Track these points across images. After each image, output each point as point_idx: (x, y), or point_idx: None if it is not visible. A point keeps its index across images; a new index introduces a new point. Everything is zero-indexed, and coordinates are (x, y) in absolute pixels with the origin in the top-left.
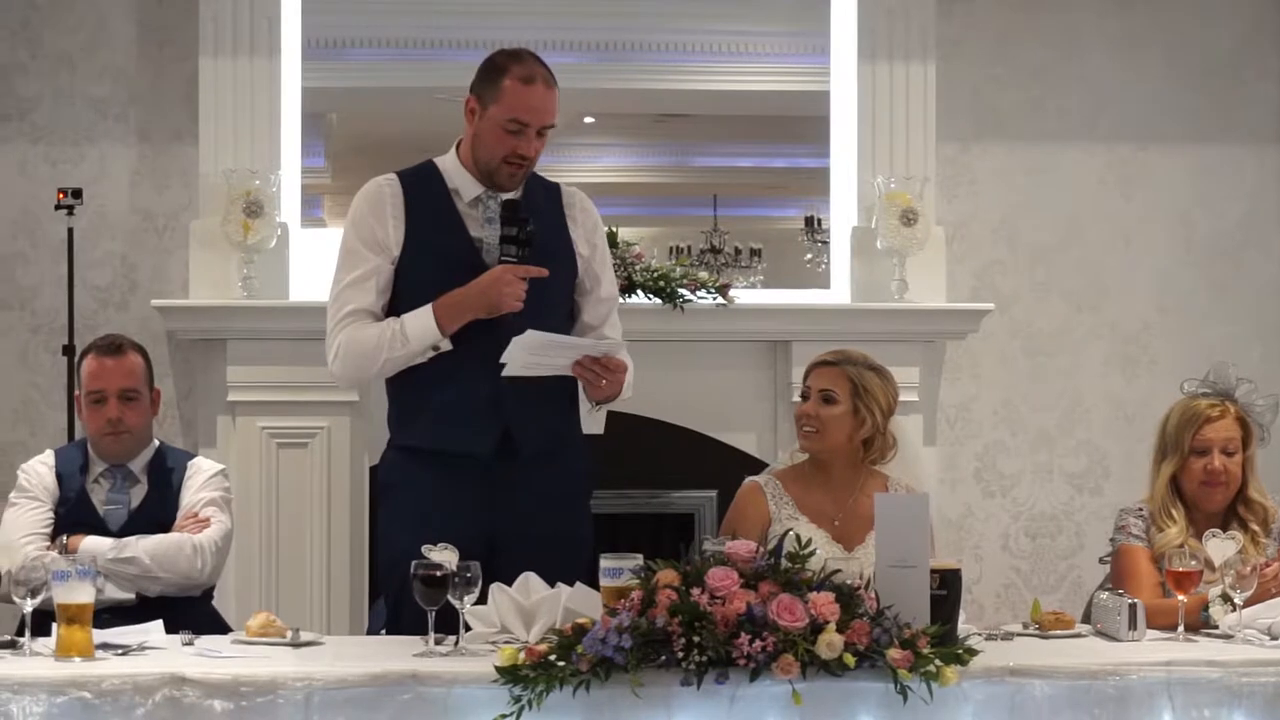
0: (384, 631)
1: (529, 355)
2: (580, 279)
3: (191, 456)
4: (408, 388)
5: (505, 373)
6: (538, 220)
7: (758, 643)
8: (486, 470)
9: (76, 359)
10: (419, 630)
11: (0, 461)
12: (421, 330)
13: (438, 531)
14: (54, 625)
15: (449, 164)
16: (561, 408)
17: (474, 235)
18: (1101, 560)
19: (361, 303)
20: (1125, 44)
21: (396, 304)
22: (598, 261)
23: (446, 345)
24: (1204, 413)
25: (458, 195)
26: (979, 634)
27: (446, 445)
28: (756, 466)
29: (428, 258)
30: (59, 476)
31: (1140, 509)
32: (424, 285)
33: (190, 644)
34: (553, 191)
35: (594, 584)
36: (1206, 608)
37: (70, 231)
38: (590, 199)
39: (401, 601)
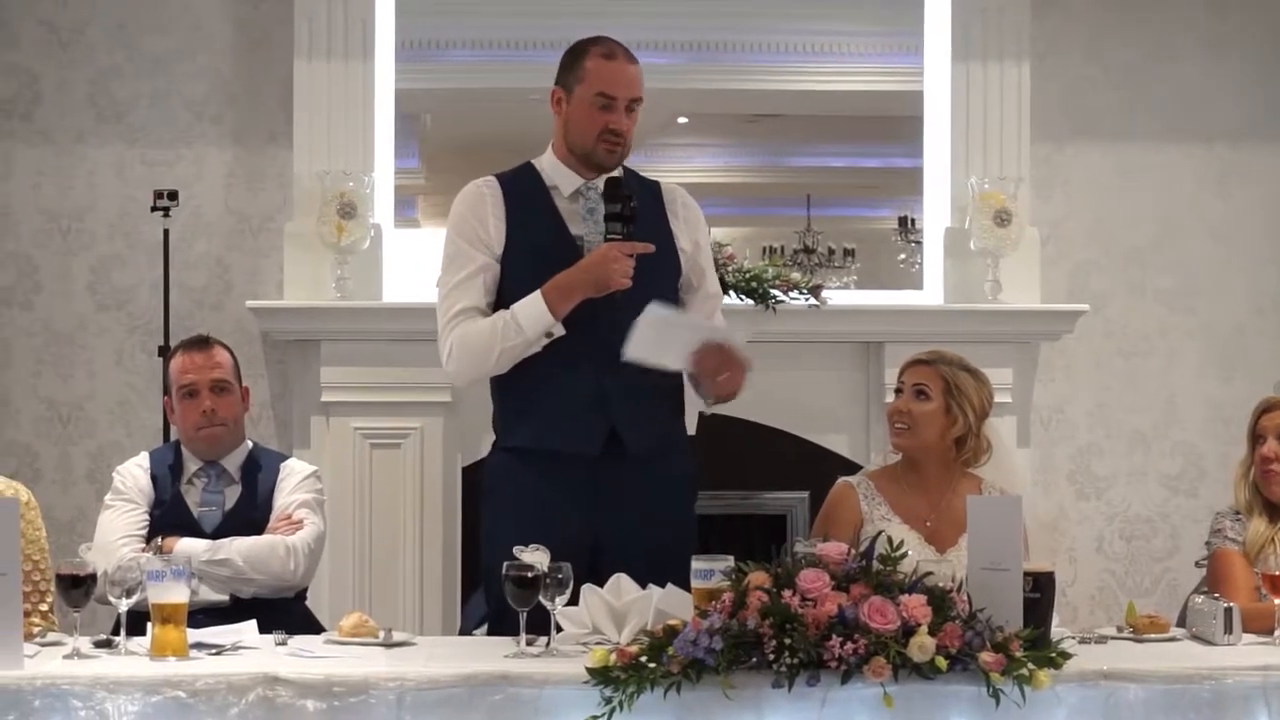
0: (477, 631)
1: (653, 333)
2: (686, 276)
3: (284, 458)
4: (513, 390)
5: (626, 356)
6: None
7: (849, 645)
8: (593, 471)
9: (167, 360)
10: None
11: (98, 461)
12: (534, 316)
13: (544, 534)
14: (149, 625)
15: (546, 163)
16: (666, 409)
17: (575, 233)
18: (1198, 564)
19: (470, 301)
20: (1220, 44)
21: (500, 305)
22: (703, 257)
23: (560, 330)
24: (1266, 402)
25: (557, 192)
26: (1072, 637)
27: (553, 445)
28: (849, 468)
29: (529, 256)
30: (154, 479)
31: (1237, 512)
32: (527, 284)
33: (283, 644)
34: (653, 189)
35: (687, 586)
36: None
37: (166, 233)
38: None
39: (505, 604)
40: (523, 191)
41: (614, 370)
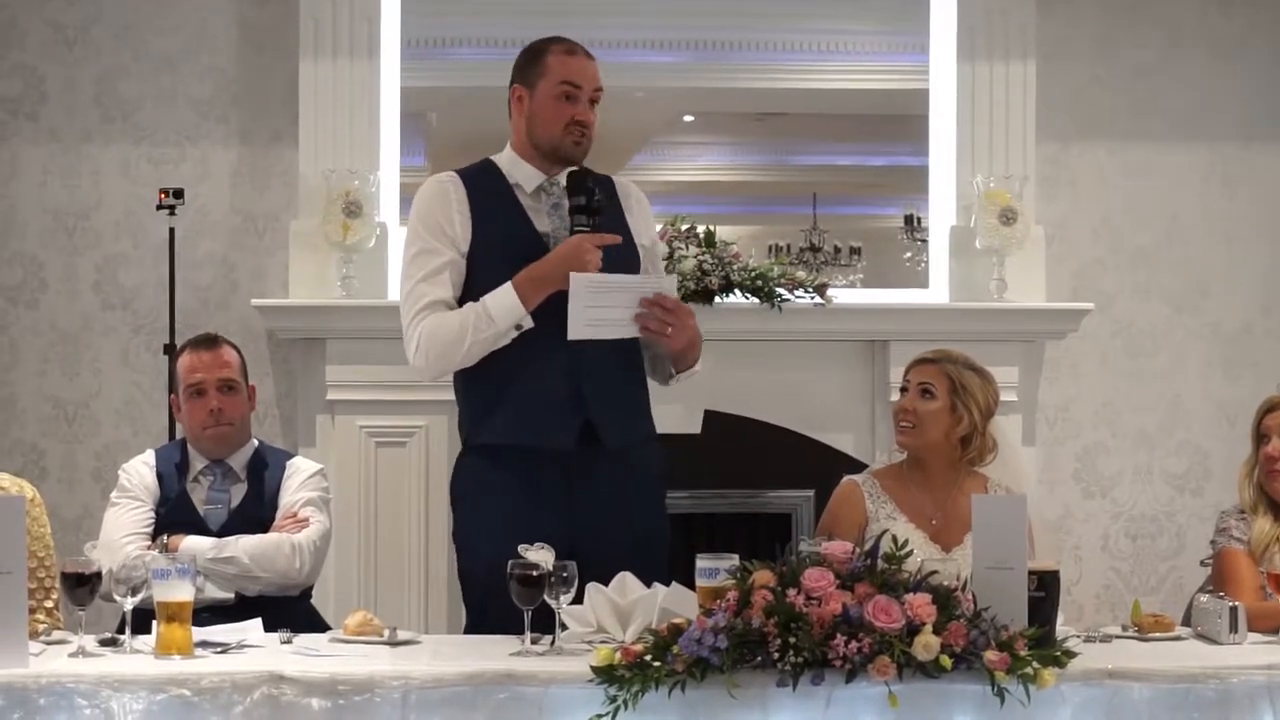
0: None
1: (587, 308)
2: (645, 271)
3: (290, 456)
4: (485, 387)
5: (571, 335)
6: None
7: (854, 644)
8: (567, 467)
9: (173, 359)
10: None
11: (104, 460)
12: (505, 306)
13: (523, 535)
14: (154, 623)
15: (506, 160)
16: (638, 403)
17: (540, 230)
18: (1203, 563)
19: (438, 295)
20: (1227, 44)
21: (465, 302)
22: (656, 252)
23: (529, 322)
24: (1270, 402)
25: (519, 189)
26: (1077, 636)
27: (528, 440)
28: (854, 466)
29: (496, 253)
30: (159, 476)
31: (1241, 511)
32: (495, 280)
33: (288, 642)
34: (608, 184)
35: (664, 581)
36: None
37: (171, 232)
38: (688, 197)
39: (484, 613)
40: (486, 188)
41: (586, 364)
